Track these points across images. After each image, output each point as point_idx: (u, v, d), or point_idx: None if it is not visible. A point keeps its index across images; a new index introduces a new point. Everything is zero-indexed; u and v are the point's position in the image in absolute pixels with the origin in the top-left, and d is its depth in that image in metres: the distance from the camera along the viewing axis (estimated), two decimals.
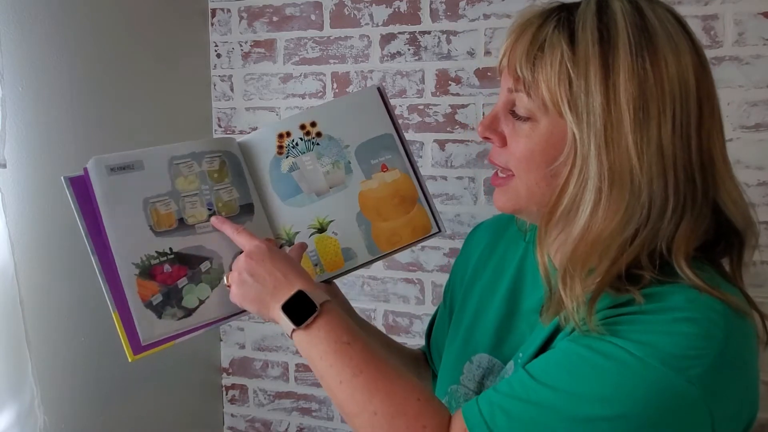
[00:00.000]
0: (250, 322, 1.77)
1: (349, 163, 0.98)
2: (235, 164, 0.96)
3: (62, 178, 0.88)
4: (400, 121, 1.55)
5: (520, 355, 0.81)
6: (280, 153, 0.98)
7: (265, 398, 1.78)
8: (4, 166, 1.23)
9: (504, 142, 0.78)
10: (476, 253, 0.99)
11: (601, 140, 0.69)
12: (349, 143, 0.99)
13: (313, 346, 0.77)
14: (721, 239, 0.74)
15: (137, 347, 0.85)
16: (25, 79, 1.27)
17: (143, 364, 1.53)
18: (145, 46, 1.55)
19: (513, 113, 0.76)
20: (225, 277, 0.88)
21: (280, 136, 0.99)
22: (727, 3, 1.32)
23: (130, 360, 0.85)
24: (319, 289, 0.81)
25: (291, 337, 0.80)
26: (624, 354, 0.66)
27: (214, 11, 1.73)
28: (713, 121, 0.72)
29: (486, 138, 0.80)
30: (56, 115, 1.33)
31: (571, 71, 0.70)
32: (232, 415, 1.83)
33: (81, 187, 0.88)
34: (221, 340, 1.81)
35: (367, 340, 0.78)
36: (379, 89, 1.01)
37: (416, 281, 1.61)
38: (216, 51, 1.74)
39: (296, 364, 1.74)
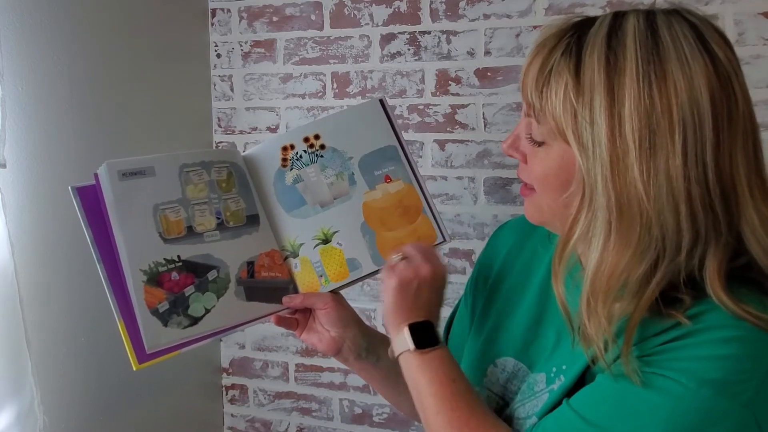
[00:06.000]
0: None
1: (353, 174, 0.99)
2: (240, 175, 0.97)
3: (69, 188, 0.87)
4: (399, 122, 1.56)
5: (554, 369, 0.80)
6: (284, 165, 0.99)
7: (265, 398, 1.78)
8: (4, 166, 1.23)
9: (526, 160, 0.78)
10: (502, 253, 0.98)
11: (607, 171, 0.67)
12: (353, 155, 0.99)
13: (422, 371, 0.83)
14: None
15: (142, 355, 0.85)
16: (25, 79, 1.27)
17: None
18: (145, 46, 1.55)
19: (530, 137, 0.76)
20: (394, 258, 0.88)
21: (284, 148, 1.00)
22: (727, 3, 1.32)
23: (134, 368, 0.85)
24: (438, 330, 0.87)
25: (397, 356, 0.85)
26: (675, 386, 0.66)
27: (214, 11, 1.73)
28: (734, 143, 0.67)
29: (510, 155, 0.80)
30: (56, 116, 1.33)
31: (574, 101, 0.68)
32: (232, 415, 1.83)
33: (89, 195, 0.87)
34: (221, 340, 1.81)
35: (467, 383, 0.83)
36: (381, 101, 1.02)
37: None
38: (216, 51, 1.74)
39: (296, 364, 1.74)
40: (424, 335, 0.84)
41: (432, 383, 0.81)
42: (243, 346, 1.79)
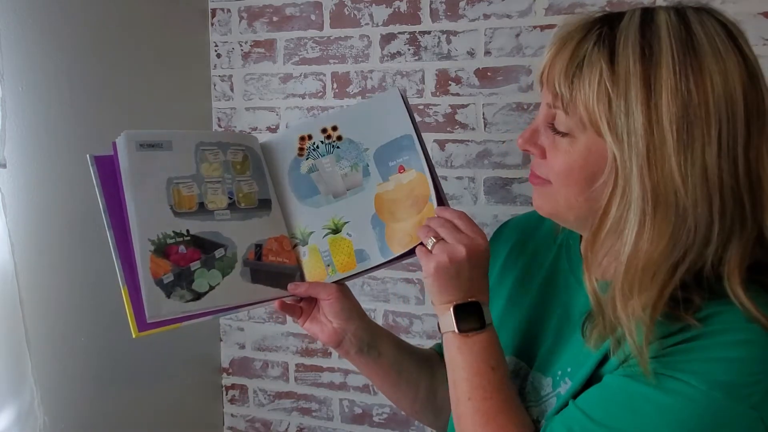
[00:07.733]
0: (250, 321, 1.77)
1: (368, 165, 0.99)
2: (256, 160, 0.98)
3: (88, 156, 0.89)
4: None
5: (559, 372, 0.80)
6: (300, 155, 1.01)
7: (265, 398, 1.78)
8: (4, 166, 1.23)
9: (544, 155, 0.78)
10: (504, 252, 0.97)
11: (643, 161, 0.67)
12: (369, 146, 1.00)
13: (462, 354, 0.81)
14: None
15: (143, 324, 0.86)
16: (25, 79, 1.27)
17: (143, 363, 1.54)
18: (145, 46, 1.55)
19: (552, 127, 0.76)
20: (427, 241, 0.84)
21: (302, 138, 1.01)
22: (727, 3, 1.32)
23: (134, 336, 0.86)
24: (488, 309, 0.84)
25: (443, 334, 0.84)
26: (686, 388, 0.66)
27: (214, 11, 1.73)
28: (762, 140, 0.69)
29: (526, 150, 0.80)
30: (56, 115, 1.33)
31: (610, 91, 0.68)
32: (232, 415, 1.83)
33: (105, 165, 0.89)
34: (221, 340, 1.81)
35: (506, 372, 0.82)
36: (400, 91, 1.01)
37: (416, 281, 1.61)
38: (216, 51, 1.74)
39: (296, 364, 1.74)
40: (469, 317, 0.82)
41: (470, 368, 0.80)
42: (243, 346, 1.79)
